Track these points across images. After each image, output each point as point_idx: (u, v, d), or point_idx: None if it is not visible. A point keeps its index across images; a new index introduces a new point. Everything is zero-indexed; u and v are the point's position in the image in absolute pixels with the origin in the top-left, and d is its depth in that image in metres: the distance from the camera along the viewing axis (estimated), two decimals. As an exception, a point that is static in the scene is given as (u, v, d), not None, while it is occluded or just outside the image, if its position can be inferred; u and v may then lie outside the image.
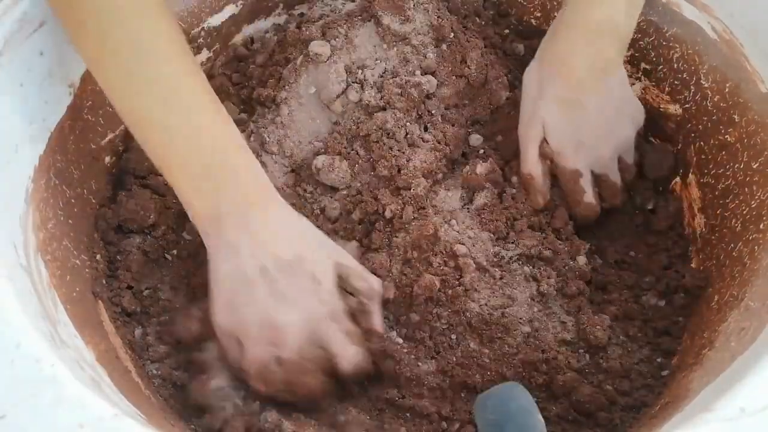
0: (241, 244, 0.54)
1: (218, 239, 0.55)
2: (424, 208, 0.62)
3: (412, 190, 0.62)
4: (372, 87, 0.65)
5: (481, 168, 0.65)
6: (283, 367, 0.54)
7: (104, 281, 0.61)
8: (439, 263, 0.60)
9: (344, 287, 0.58)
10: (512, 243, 0.62)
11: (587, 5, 0.63)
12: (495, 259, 0.61)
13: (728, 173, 0.64)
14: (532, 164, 0.65)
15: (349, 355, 0.55)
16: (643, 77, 0.74)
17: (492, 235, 0.62)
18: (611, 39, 0.64)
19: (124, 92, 0.52)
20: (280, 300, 0.54)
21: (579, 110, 0.64)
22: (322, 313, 0.55)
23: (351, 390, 0.58)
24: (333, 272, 0.56)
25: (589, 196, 0.66)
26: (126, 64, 0.51)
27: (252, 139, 0.67)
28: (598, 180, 0.67)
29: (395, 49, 0.66)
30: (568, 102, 0.64)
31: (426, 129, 0.66)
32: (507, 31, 0.79)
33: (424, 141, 0.65)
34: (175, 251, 0.66)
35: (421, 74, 0.66)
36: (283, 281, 0.54)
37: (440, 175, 0.65)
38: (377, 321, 0.58)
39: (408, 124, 0.65)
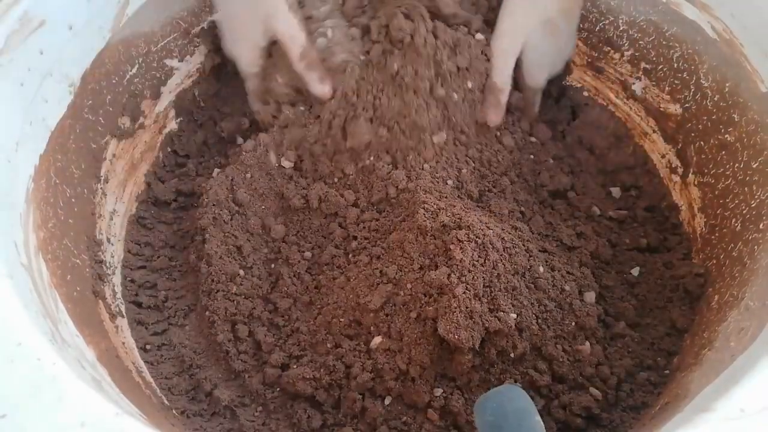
0: None
1: None
2: None
3: None
4: None
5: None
6: None
7: (104, 281, 0.61)
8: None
9: None
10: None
11: None
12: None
13: (728, 173, 0.64)
14: (506, 77, 0.70)
15: None
16: (643, 77, 0.74)
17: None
18: None
19: None
20: None
21: (557, 34, 0.70)
22: None
23: None
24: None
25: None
26: None
27: None
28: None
29: None
30: (553, 24, 0.69)
31: None
32: None
33: None
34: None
35: None
36: None
37: None
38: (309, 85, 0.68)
39: None
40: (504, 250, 0.60)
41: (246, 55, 0.70)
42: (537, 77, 0.73)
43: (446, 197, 0.66)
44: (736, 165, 0.63)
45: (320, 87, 0.68)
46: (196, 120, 0.77)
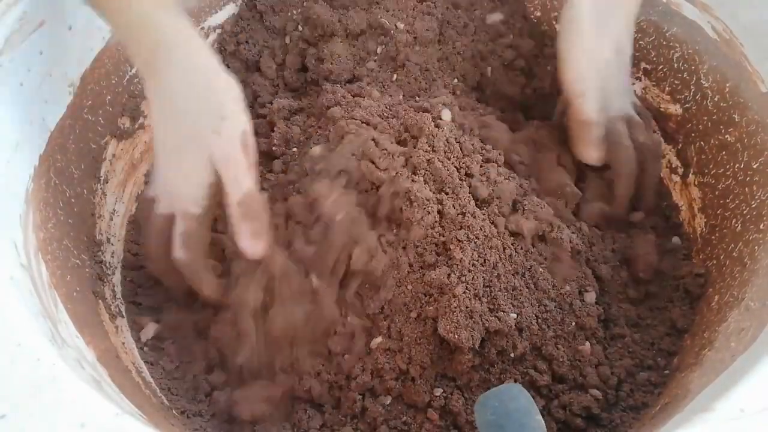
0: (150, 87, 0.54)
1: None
2: None
3: None
4: None
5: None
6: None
7: (104, 281, 0.61)
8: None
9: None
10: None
11: None
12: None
13: (728, 173, 0.64)
14: (594, 109, 0.61)
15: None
16: (643, 77, 0.74)
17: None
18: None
19: None
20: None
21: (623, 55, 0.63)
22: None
23: None
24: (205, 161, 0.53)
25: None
26: None
27: None
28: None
29: None
30: (621, 44, 0.61)
31: None
32: None
33: None
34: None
35: None
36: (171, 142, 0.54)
37: None
38: (238, 236, 0.55)
39: None
40: (504, 250, 0.60)
41: (191, 192, 0.54)
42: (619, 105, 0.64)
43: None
44: (737, 165, 0.63)
45: (250, 243, 0.54)
46: (196, 120, 0.77)
